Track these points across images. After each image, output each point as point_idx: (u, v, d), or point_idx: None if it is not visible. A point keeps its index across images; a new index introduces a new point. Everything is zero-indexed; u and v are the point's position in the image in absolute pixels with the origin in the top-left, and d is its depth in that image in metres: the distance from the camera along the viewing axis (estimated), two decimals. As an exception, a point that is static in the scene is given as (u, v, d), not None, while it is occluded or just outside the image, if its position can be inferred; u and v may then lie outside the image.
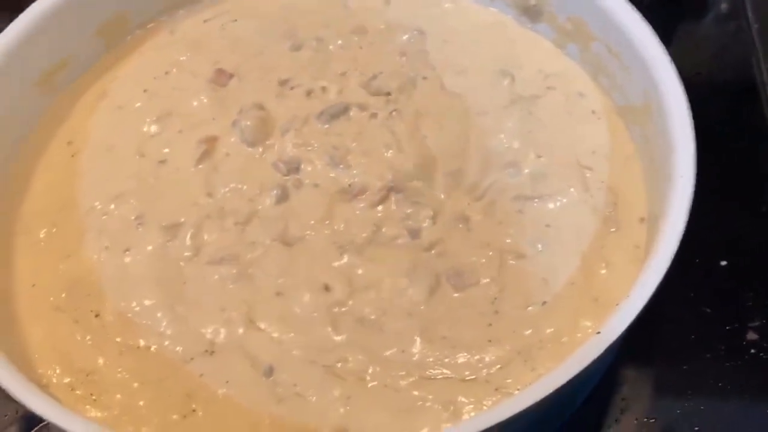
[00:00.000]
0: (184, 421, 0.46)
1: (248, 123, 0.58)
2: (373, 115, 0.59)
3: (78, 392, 0.48)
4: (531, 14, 0.63)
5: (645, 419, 0.56)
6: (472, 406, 0.46)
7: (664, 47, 0.54)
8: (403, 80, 0.60)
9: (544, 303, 0.50)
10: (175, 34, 0.65)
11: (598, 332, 0.42)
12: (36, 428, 0.44)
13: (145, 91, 0.61)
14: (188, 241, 0.53)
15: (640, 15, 0.56)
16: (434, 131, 0.58)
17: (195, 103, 0.60)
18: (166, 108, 0.60)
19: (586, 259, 0.51)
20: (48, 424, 0.41)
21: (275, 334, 0.49)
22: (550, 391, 0.40)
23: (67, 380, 0.48)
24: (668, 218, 0.46)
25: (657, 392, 0.57)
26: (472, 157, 0.57)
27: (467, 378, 0.47)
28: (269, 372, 0.48)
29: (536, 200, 0.54)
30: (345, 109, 0.59)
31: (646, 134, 0.55)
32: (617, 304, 0.43)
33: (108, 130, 0.60)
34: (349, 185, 0.55)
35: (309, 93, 0.60)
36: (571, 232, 0.53)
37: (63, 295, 0.52)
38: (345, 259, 0.52)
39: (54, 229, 0.55)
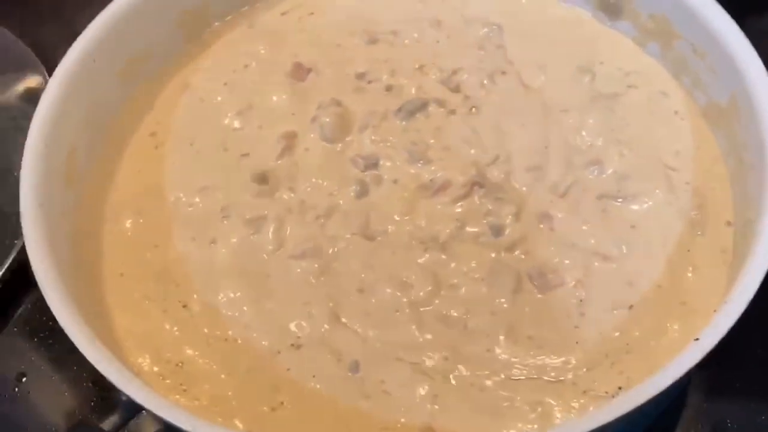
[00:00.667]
0: (273, 414, 0.47)
1: (327, 119, 0.58)
2: (452, 111, 0.59)
3: (168, 381, 0.49)
4: (611, 11, 0.62)
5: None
6: (559, 407, 0.46)
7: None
8: (482, 76, 0.60)
9: (631, 306, 0.49)
10: (254, 27, 0.65)
11: (697, 339, 0.42)
12: (134, 418, 0.45)
13: (225, 84, 0.62)
14: (271, 235, 0.54)
15: (727, 13, 0.55)
16: (515, 127, 0.58)
17: (274, 98, 0.60)
18: (246, 102, 0.60)
19: (671, 263, 0.51)
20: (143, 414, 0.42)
21: (359, 330, 0.50)
22: (652, 395, 0.40)
23: (156, 369, 0.49)
24: (765, 220, 0.45)
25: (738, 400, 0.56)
26: (554, 154, 0.56)
27: (554, 379, 0.47)
28: (355, 368, 0.48)
29: (620, 200, 0.54)
30: (423, 105, 0.59)
31: (732, 135, 0.54)
32: (715, 310, 0.43)
33: (190, 122, 0.60)
34: (431, 181, 0.55)
35: (387, 88, 0.60)
36: (656, 235, 0.52)
37: (151, 285, 0.53)
38: (428, 255, 0.52)
39: (140, 219, 0.56)
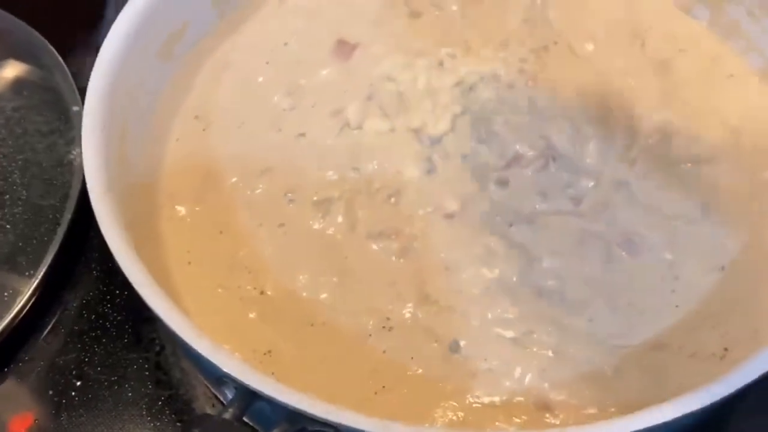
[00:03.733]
0: (377, 398, 0.45)
1: (384, 96, 0.56)
2: (510, 85, 0.57)
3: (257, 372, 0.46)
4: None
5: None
6: (674, 372, 0.45)
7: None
8: (534, 47, 0.59)
9: (723, 267, 0.49)
10: (285, 3, 0.63)
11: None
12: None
13: (267, 63, 0.59)
14: (341, 217, 0.51)
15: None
16: (574, 98, 0.57)
17: (322, 75, 0.58)
18: (293, 81, 0.58)
19: (753, 223, 0.51)
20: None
21: (453, 308, 0.48)
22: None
23: (240, 360, 0.46)
24: None
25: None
26: (618, 123, 0.55)
27: (659, 344, 0.46)
28: (456, 347, 0.46)
29: (690, 164, 0.53)
30: (481, 79, 0.57)
31: (798, 95, 0.54)
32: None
33: (235, 103, 0.57)
34: (500, 155, 0.54)
35: (440, 63, 0.58)
36: (732, 196, 0.52)
37: (222, 272, 0.50)
38: (513, 230, 0.50)
39: (198, 206, 0.53)
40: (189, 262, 0.50)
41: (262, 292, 0.49)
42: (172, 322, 0.40)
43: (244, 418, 0.40)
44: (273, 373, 0.46)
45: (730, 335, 0.46)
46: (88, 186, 0.46)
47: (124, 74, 0.53)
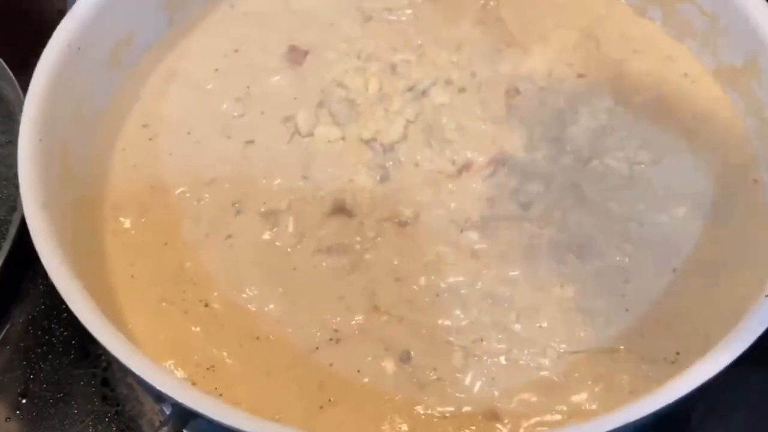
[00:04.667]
0: (323, 412, 0.44)
1: (336, 103, 0.55)
2: (462, 89, 0.56)
3: (199, 387, 0.45)
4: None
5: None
6: (626, 377, 0.44)
7: (766, 3, 0.53)
8: (486, 50, 0.58)
9: (675, 270, 0.48)
10: (235, 8, 0.62)
11: (767, 295, 0.41)
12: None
13: (216, 70, 0.58)
14: (291, 228, 0.50)
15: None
16: (526, 100, 0.56)
17: (273, 82, 0.57)
18: (242, 88, 0.57)
19: (707, 224, 0.50)
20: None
21: (402, 318, 0.47)
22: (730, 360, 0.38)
23: (184, 375, 0.45)
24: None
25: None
26: (571, 124, 0.55)
27: (609, 350, 0.46)
28: (406, 357, 0.45)
29: (644, 165, 0.53)
30: (433, 83, 0.56)
31: (751, 94, 0.54)
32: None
33: (184, 111, 0.56)
34: (453, 162, 0.53)
35: (392, 68, 0.57)
36: (687, 197, 0.51)
37: (166, 285, 0.49)
38: (464, 236, 0.50)
39: (143, 218, 0.51)
40: (132, 276, 0.49)
41: (207, 305, 0.48)
42: (104, 339, 0.39)
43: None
44: (216, 389, 0.45)
45: (681, 339, 0.46)
46: (23, 201, 0.45)
47: (66, 83, 0.51)
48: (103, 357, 0.53)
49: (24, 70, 0.65)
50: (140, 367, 0.39)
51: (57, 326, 0.55)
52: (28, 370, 0.53)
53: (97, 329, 0.40)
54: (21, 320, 0.55)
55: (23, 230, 0.56)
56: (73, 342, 0.54)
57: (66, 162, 0.51)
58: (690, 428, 0.52)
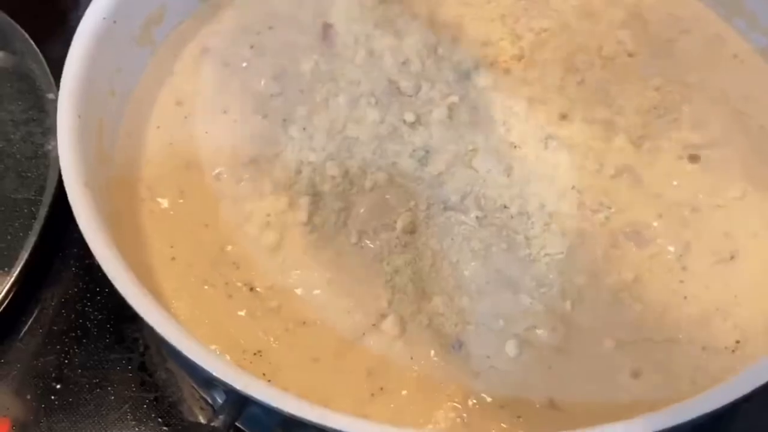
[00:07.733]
0: (375, 400, 0.43)
1: (378, 89, 0.53)
2: (506, 71, 0.55)
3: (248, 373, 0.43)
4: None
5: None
6: (684, 366, 0.43)
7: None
8: (533, 26, 0.57)
9: (732, 257, 0.47)
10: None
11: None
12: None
13: (252, 47, 0.56)
14: (335, 211, 0.49)
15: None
16: (573, 76, 0.55)
17: (311, 61, 0.55)
18: (279, 66, 0.55)
19: (763, 209, 0.49)
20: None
21: (453, 304, 0.46)
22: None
23: (232, 361, 0.44)
24: None
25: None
26: (622, 104, 0.53)
27: (668, 339, 0.44)
28: (458, 346, 0.44)
29: (700, 148, 0.51)
30: (476, 65, 0.55)
31: (804, 74, 0.52)
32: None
33: (218, 89, 0.54)
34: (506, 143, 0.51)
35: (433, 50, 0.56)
36: (741, 181, 0.50)
37: (208, 268, 0.47)
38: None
39: (181, 199, 0.50)
40: (173, 258, 0.48)
41: (252, 289, 0.47)
42: (156, 324, 0.38)
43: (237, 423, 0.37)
44: (264, 375, 0.43)
45: (740, 327, 0.45)
46: (65, 179, 0.43)
47: (101, 58, 0.50)
48: (140, 341, 0.52)
49: (48, 41, 0.63)
50: (196, 352, 0.37)
51: (91, 309, 0.53)
52: (62, 355, 0.51)
53: (148, 313, 0.38)
54: (53, 303, 0.53)
55: (54, 211, 0.55)
56: (108, 326, 0.52)
57: (101, 140, 0.49)
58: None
